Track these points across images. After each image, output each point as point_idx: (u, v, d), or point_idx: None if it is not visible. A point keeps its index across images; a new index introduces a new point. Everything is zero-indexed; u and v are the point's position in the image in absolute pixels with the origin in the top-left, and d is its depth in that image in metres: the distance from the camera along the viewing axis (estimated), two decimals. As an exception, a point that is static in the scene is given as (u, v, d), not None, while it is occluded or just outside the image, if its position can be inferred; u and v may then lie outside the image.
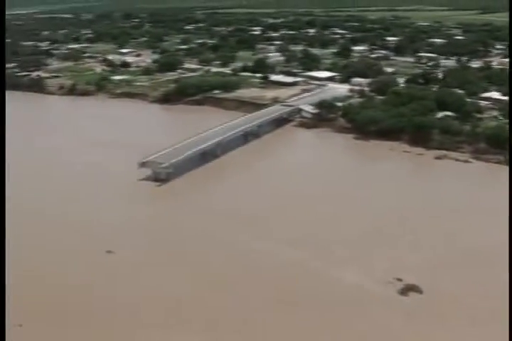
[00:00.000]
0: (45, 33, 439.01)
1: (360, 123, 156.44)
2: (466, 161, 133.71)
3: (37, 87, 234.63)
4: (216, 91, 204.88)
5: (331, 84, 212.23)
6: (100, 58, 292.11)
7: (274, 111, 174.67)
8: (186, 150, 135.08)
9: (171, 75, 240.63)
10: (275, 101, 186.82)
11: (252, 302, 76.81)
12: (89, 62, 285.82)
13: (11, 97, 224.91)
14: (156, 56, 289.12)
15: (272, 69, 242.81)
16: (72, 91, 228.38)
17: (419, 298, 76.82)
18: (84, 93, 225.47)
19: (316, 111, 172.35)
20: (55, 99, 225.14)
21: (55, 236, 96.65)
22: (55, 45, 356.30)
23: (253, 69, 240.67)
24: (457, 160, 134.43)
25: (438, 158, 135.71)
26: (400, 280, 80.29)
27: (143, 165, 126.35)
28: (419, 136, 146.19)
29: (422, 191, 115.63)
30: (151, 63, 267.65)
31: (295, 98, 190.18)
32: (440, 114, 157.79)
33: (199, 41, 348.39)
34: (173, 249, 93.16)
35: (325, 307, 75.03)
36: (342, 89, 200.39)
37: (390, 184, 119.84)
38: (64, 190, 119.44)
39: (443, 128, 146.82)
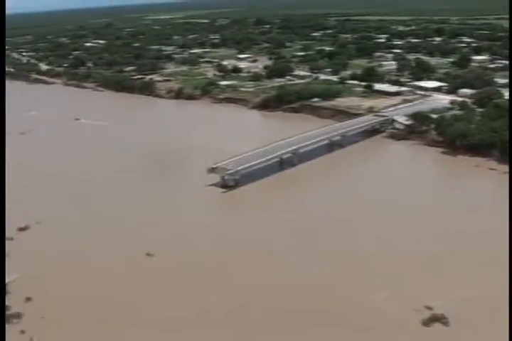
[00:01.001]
0: (176, 37, 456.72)
1: (450, 136, 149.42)
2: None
3: (147, 89, 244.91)
4: (315, 99, 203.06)
5: (436, 95, 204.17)
6: (216, 63, 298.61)
7: (366, 120, 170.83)
8: (260, 157, 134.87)
9: (278, 82, 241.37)
10: (370, 110, 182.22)
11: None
12: (204, 67, 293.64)
13: (121, 99, 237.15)
14: (270, 62, 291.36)
15: (381, 77, 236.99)
16: (179, 95, 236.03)
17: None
18: (190, 97, 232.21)
19: (409, 122, 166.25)
20: (161, 102, 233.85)
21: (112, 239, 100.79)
22: (179, 49, 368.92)
23: (361, 78, 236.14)
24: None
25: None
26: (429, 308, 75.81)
27: (212, 170, 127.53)
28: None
29: (497, 213, 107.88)
30: (263, 69, 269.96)
31: (392, 108, 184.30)
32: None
33: (318, 48, 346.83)
34: (212, 255, 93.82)
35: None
36: (445, 100, 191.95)
37: (464, 202, 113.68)
38: (134, 193, 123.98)
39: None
